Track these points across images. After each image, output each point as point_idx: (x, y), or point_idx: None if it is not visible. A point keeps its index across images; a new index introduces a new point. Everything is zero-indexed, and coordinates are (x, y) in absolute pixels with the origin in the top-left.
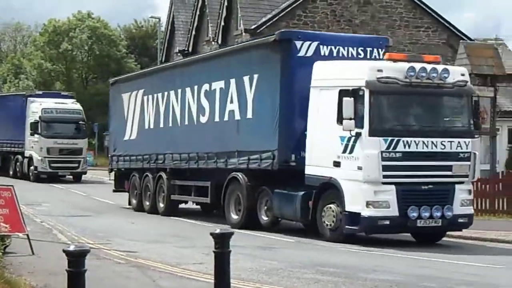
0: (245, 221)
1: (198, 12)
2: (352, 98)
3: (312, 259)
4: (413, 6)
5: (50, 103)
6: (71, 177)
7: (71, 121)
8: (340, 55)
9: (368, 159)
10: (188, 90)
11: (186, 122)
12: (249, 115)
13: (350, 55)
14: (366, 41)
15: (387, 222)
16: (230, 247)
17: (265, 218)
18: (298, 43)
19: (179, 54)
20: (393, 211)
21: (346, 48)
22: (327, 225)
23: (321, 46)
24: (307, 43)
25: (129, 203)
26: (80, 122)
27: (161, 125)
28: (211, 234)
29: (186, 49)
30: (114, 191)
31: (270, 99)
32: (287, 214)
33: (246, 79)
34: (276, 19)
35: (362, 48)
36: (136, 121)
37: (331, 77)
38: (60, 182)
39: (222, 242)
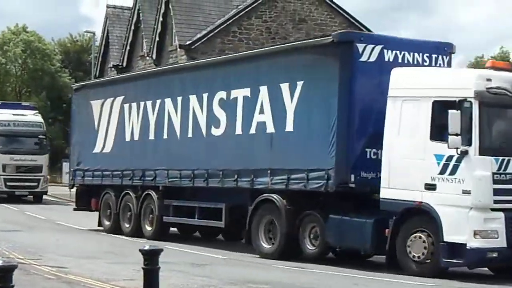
0: (282, 250)
1: (133, 27)
2: (459, 111)
3: (244, 276)
4: (348, 25)
5: (7, 114)
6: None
7: (30, 135)
8: (406, 61)
9: (480, 182)
10: (193, 98)
11: (190, 135)
12: (289, 128)
13: (415, 62)
14: (432, 46)
15: (495, 255)
16: (163, 264)
17: (311, 248)
18: (360, 46)
19: (113, 69)
20: (501, 241)
21: (411, 53)
22: (413, 256)
23: (385, 51)
24: (370, 46)
25: (99, 224)
26: (40, 136)
27: (151, 137)
28: (140, 250)
29: (120, 64)
30: (75, 209)
31: (323, 110)
32: (350, 244)
33: (284, 86)
34: (211, 36)
35: (427, 55)
36: (112, 131)
37: (420, 86)
38: (20, 202)
39: (151, 259)
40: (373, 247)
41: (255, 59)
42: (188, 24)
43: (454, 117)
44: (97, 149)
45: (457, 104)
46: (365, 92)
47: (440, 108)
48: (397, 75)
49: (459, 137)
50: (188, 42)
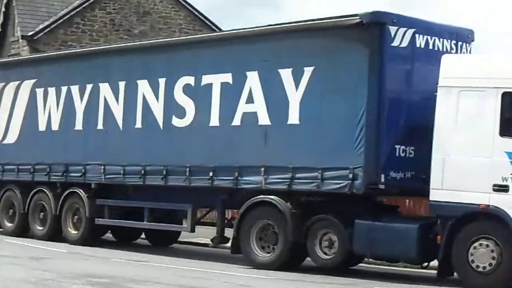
0: (284, 259)
1: None
2: None
3: (85, 270)
4: (193, 18)
5: None
6: None
7: None
8: (436, 48)
9: None
10: (143, 83)
11: (138, 125)
12: (293, 120)
13: (444, 49)
14: (458, 32)
15: None
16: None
17: (325, 257)
18: (392, 29)
19: None
20: None
21: (441, 40)
22: (477, 267)
23: (416, 36)
24: (402, 30)
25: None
26: None
27: (78, 127)
28: None
29: None
30: None
31: (345, 101)
32: (387, 252)
33: (285, 72)
34: (54, 27)
35: (454, 42)
36: (17, 120)
37: (483, 75)
38: None
39: None
40: (419, 256)
41: (239, 41)
42: (31, 15)
43: None
44: None
45: None
46: (396, 81)
47: None
48: (449, 62)
49: None
50: (30, 33)
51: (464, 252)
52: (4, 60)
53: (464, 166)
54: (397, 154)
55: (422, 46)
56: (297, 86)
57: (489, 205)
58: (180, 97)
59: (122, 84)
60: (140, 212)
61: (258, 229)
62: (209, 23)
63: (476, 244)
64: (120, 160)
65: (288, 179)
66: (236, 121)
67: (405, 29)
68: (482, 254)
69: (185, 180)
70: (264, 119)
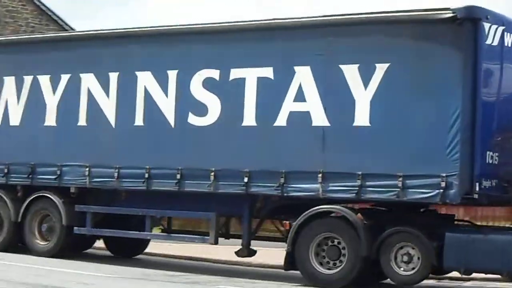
0: (355, 276)
1: None
2: None
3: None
4: (39, 13)
5: None
6: None
7: None
8: None
9: None
10: (144, 75)
11: (139, 123)
12: (361, 121)
13: None
14: None
15: None
16: None
17: (404, 273)
18: (486, 26)
19: None
20: None
21: None
22: None
23: (505, 34)
24: (494, 27)
25: None
26: None
27: (48, 123)
28: None
29: None
30: None
31: (434, 102)
32: (489, 266)
33: (349, 68)
34: None
35: None
36: None
37: None
38: None
39: None
40: None
41: (285, 32)
42: None
43: None
44: None
45: None
46: (489, 82)
47: None
48: None
49: None
50: None
51: None
52: None
53: None
54: (487, 161)
55: (509, 44)
56: (366, 84)
57: None
58: (199, 92)
59: (114, 76)
60: (126, 220)
61: (318, 243)
62: (56, 18)
63: None
64: (112, 161)
65: (356, 187)
66: (281, 121)
67: (496, 26)
68: None
69: (209, 186)
70: (320, 119)
